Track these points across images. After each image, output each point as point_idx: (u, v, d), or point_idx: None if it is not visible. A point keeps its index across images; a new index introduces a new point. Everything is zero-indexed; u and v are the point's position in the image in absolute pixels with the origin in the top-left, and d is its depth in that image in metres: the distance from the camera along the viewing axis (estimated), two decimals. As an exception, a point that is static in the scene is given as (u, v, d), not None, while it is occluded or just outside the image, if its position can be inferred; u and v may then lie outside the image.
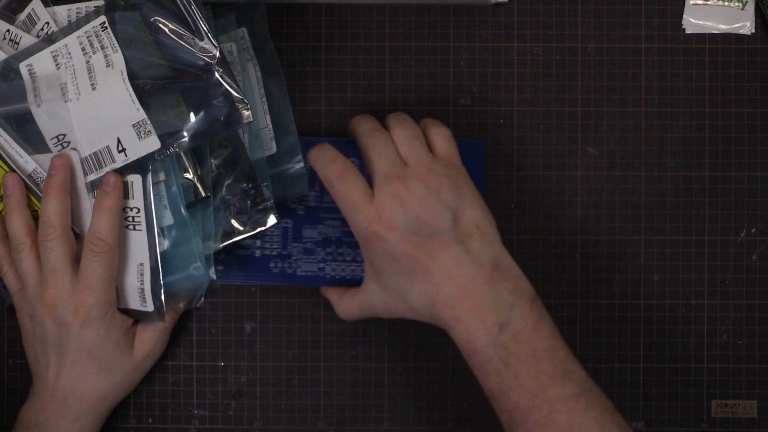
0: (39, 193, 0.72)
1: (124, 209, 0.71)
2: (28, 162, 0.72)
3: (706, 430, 0.78)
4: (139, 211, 0.71)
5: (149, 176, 0.71)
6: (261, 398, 0.79)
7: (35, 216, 0.72)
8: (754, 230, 0.78)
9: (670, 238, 0.78)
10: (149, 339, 0.74)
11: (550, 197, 0.79)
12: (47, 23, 0.72)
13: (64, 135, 0.71)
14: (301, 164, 0.77)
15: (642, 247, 0.78)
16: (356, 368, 0.79)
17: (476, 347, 0.66)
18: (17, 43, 0.72)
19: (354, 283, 0.73)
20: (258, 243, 0.70)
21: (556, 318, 0.78)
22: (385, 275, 0.69)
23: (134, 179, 0.71)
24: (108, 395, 0.74)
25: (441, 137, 0.70)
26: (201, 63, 0.71)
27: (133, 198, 0.71)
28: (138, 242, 0.72)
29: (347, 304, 0.73)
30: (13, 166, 0.71)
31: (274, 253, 0.71)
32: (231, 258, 0.70)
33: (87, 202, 0.72)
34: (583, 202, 0.79)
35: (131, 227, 0.72)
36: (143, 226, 0.72)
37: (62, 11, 0.72)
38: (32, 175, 0.72)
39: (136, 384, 0.76)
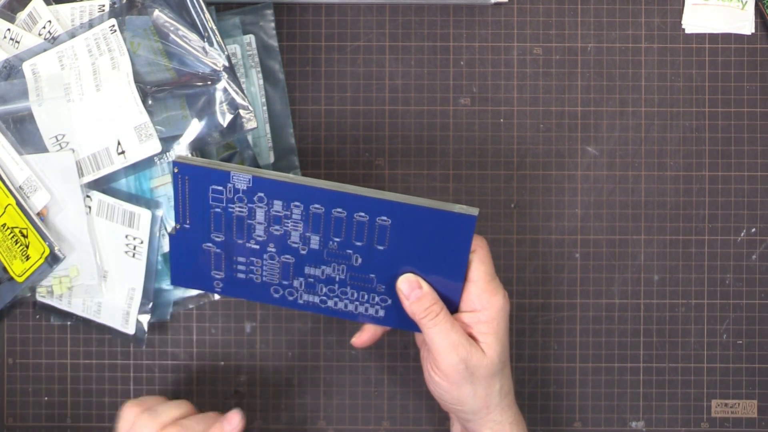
0: (27, 208, 0.72)
1: (127, 236, 0.72)
2: (23, 169, 0.72)
3: (706, 429, 0.78)
4: (142, 242, 0.72)
5: (159, 212, 0.72)
6: (261, 398, 0.79)
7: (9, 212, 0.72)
8: (754, 230, 0.78)
9: (670, 238, 0.78)
10: None
11: (550, 197, 0.79)
12: (49, 21, 0.72)
13: (63, 135, 0.71)
14: None
15: (642, 247, 0.78)
16: (356, 368, 0.79)
17: None
18: (18, 42, 0.72)
19: (352, 318, 0.72)
20: (258, 271, 0.70)
21: (556, 318, 0.78)
22: None
23: (142, 212, 0.72)
24: None
25: None
26: (208, 69, 0.71)
27: (138, 229, 0.72)
28: (136, 270, 0.73)
29: None
30: (11, 187, 0.71)
31: (275, 281, 0.70)
32: (232, 278, 0.70)
33: (81, 204, 0.72)
34: (583, 202, 0.79)
35: (131, 254, 0.73)
36: (143, 257, 0.73)
37: (65, 10, 0.72)
38: (23, 186, 0.72)
39: None
